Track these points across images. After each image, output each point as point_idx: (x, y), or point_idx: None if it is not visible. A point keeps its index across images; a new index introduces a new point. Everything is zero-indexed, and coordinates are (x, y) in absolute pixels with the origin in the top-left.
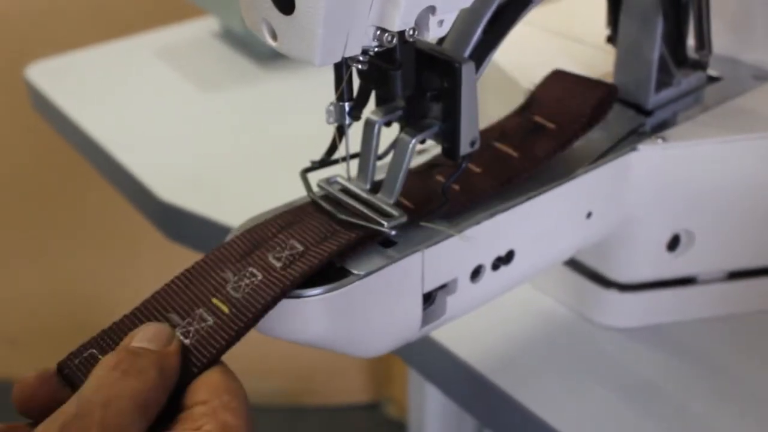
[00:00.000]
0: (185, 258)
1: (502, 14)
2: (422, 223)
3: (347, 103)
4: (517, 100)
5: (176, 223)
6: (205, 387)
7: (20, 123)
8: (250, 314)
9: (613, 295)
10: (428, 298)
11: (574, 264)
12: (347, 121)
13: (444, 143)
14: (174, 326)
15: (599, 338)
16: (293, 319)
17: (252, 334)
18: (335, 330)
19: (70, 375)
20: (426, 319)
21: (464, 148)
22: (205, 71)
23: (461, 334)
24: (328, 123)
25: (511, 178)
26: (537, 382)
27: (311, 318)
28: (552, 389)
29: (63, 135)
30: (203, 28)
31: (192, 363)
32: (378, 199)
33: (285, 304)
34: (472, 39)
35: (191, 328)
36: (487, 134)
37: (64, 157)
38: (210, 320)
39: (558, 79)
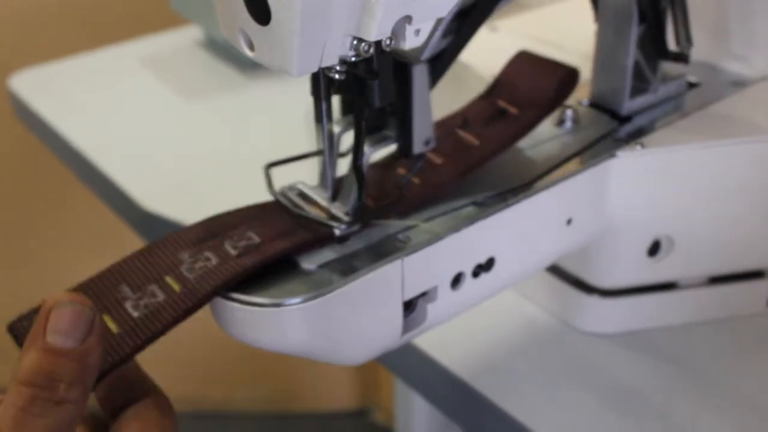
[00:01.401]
0: None
1: (465, 17)
2: (374, 222)
3: (323, 112)
4: None
5: (159, 231)
6: (138, 423)
7: (4, 132)
8: (200, 295)
9: (595, 301)
10: (409, 306)
11: (556, 270)
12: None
13: (398, 142)
14: (124, 299)
15: (582, 344)
16: (273, 327)
17: (238, 342)
18: (315, 338)
19: (19, 337)
20: (407, 327)
21: (418, 148)
22: (188, 80)
23: (444, 340)
24: (304, 124)
25: (471, 167)
26: (519, 388)
27: (291, 327)
28: (534, 395)
29: (46, 144)
30: (187, 36)
31: (137, 336)
32: (336, 208)
33: (264, 313)
34: (431, 41)
35: (141, 302)
36: (451, 122)
37: (48, 165)
38: (160, 297)
39: (522, 60)
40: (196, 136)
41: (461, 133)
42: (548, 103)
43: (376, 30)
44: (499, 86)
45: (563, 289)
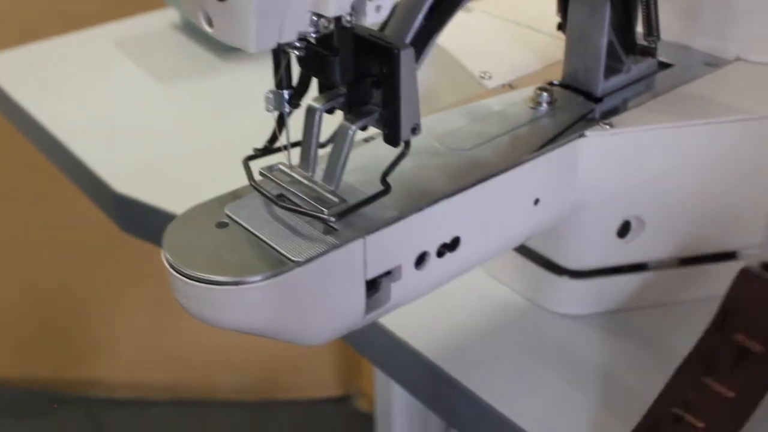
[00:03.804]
0: (148, 254)
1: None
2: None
3: (286, 91)
4: (471, 89)
5: (131, 214)
6: None
7: None
8: None
9: (566, 282)
10: (373, 285)
11: (526, 251)
12: (286, 109)
13: (384, 129)
14: None
15: (552, 325)
16: (234, 306)
17: (221, 330)
18: (277, 317)
19: None
20: (370, 307)
21: (405, 134)
22: (165, 63)
23: (413, 322)
24: (267, 111)
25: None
26: (490, 370)
27: (252, 305)
28: (504, 377)
29: (19, 128)
30: (163, 19)
31: None
32: (320, 187)
33: (226, 291)
34: (414, 24)
35: None
36: (692, 367)
37: (25, 154)
38: None
39: (749, 281)
40: (172, 120)
41: (710, 382)
42: None
43: (335, 5)
44: (730, 316)
45: (533, 271)
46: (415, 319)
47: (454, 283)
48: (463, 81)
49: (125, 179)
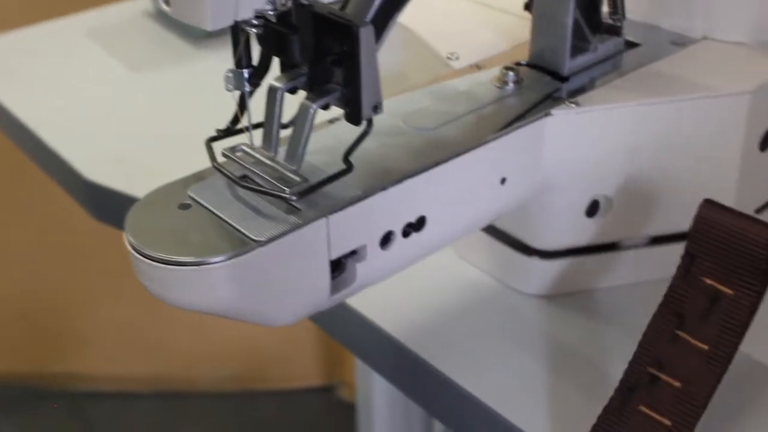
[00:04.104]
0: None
1: None
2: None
3: (246, 70)
4: (439, 71)
5: (103, 202)
6: None
7: None
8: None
9: (535, 262)
10: (338, 266)
11: (495, 232)
12: (247, 89)
13: (346, 108)
14: None
15: (523, 306)
16: (197, 287)
17: (203, 321)
18: (240, 298)
19: None
20: (336, 287)
21: (366, 113)
22: (138, 51)
23: (382, 303)
24: (227, 90)
25: (716, 384)
26: (459, 351)
27: (215, 286)
28: (474, 358)
29: None
30: (136, 7)
31: None
32: (282, 167)
33: (188, 272)
34: (375, 2)
35: None
36: (663, 321)
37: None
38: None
39: (711, 216)
40: (145, 108)
41: (686, 337)
42: (765, 269)
43: None
44: (696, 259)
45: (503, 251)
46: (384, 300)
47: (423, 264)
48: (430, 62)
49: (97, 167)
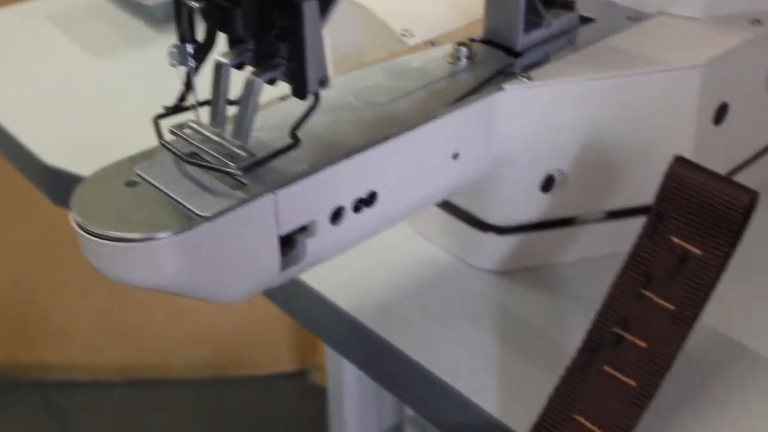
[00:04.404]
0: None
1: None
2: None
3: (190, 45)
4: (392, 47)
5: (63, 187)
6: None
7: None
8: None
9: (492, 238)
10: (288, 242)
11: (451, 208)
12: (191, 64)
13: (292, 83)
14: None
15: (479, 282)
16: (144, 264)
17: (175, 308)
18: (189, 274)
19: None
20: (286, 263)
21: (312, 87)
22: (99, 36)
23: (337, 280)
24: (171, 66)
25: (682, 343)
26: (416, 327)
27: (162, 262)
28: (431, 334)
29: None
30: None
31: None
32: (229, 142)
33: (134, 248)
34: None
35: None
36: (630, 279)
37: None
38: None
39: (682, 174)
40: (106, 92)
41: (652, 296)
42: (736, 230)
43: None
44: (664, 217)
45: (459, 227)
46: (340, 277)
47: (381, 241)
48: (386, 40)
49: (57, 152)
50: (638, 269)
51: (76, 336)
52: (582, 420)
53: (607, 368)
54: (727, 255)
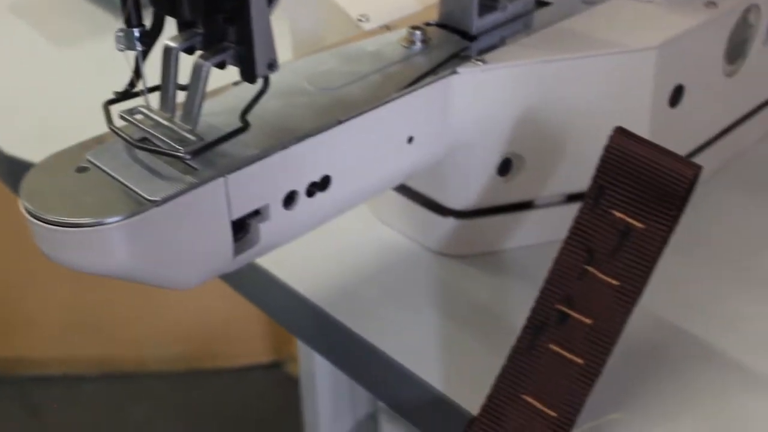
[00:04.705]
0: None
1: None
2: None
3: (136, 29)
4: (348, 32)
5: (21, 176)
6: None
7: None
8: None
9: (450, 222)
10: (241, 227)
11: (410, 193)
12: (139, 48)
13: (241, 66)
14: None
15: (439, 267)
16: (95, 249)
17: (149, 301)
18: (141, 259)
19: None
20: (240, 248)
21: (261, 70)
22: (61, 25)
23: (296, 265)
24: (118, 50)
25: (625, 319)
26: (376, 313)
27: (113, 247)
28: (389, 319)
29: None
30: None
31: None
32: (179, 127)
33: (84, 234)
34: None
35: None
36: (573, 255)
37: None
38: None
39: (625, 141)
40: (68, 82)
41: (595, 272)
42: (679, 204)
43: None
44: (605, 190)
45: (418, 212)
46: (299, 263)
47: (340, 225)
48: (343, 25)
49: (18, 142)
50: (580, 245)
51: (50, 331)
52: (530, 399)
53: (553, 346)
54: (670, 229)
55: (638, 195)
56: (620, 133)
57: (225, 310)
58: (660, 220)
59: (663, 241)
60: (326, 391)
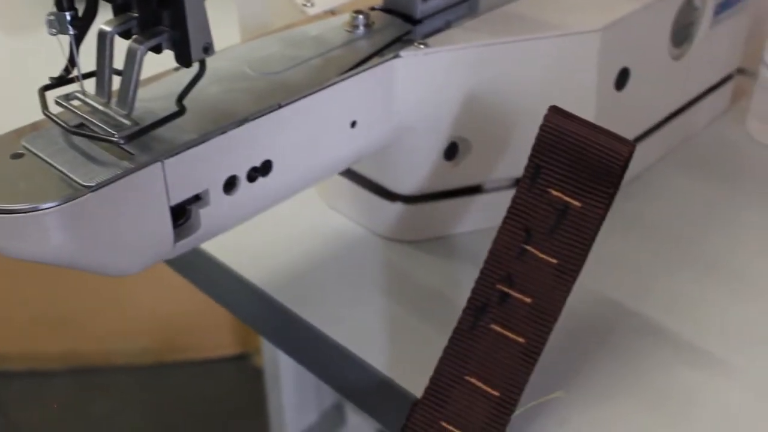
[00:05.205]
0: None
1: None
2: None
3: (68, 12)
4: (293, 17)
5: None
6: None
7: None
8: None
9: (399, 207)
10: (182, 213)
11: (358, 178)
12: (71, 32)
13: (176, 50)
14: None
15: (388, 252)
16: (32, 235)
17: (113, 295)
18: (79, 245)
19: None
20: (180, 234)
21: (196, 54)
22: (11, 13)
23: (244, 252)
24: (50, 34)
25: (566, 295)
26: (324, 299)
27: (49, 233)
28: (338, 304)
29: None
30: None
31: None
32: (115, 112)
33: (20, 219)
34: None
35: None
36: (512, 235)
37: None
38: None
39: (559, 124)
40: (22, 72)
41: (534, 251)
42: (615, 182)
43: None
44: (542, 170)
45: (367, 197)
46: (246, 248)
47: (290, 212)
48: (288, 10)
49: None
50: (519, 224)
51: (15, 326)
52: (473, 380)
53: (494, 326)
54: (606, 206)
55: (574, 173)
56: (555, 111)
57: (190, 303)
58: (596, 197)
59: (600, 219)
60: (291, 382)
